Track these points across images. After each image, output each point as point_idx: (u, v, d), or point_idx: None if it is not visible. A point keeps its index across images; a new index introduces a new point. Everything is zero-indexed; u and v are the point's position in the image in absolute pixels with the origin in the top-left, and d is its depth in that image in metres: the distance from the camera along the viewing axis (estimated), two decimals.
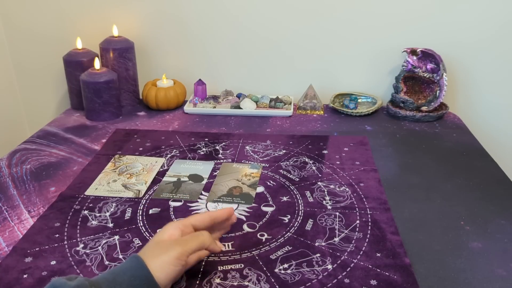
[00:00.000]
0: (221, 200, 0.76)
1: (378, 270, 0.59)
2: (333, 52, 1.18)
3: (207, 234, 0.57)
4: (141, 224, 0.69)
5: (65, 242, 0.65)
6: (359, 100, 1.17)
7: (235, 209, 0.73)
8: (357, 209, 0.73)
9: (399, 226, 0.68)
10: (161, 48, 1.22)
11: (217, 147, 0.94)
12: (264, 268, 0.60)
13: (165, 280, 0.51)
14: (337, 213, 0.72)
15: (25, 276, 0.58)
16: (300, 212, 0.72)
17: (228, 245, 0.65)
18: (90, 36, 1.18)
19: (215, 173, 0.84)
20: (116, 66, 1.13)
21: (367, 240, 0.65)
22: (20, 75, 1.28)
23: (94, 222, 0.70)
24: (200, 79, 1.16)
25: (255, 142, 0.97)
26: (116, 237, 0.66)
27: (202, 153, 0.92)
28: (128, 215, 0.72)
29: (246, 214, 0.72)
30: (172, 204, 0.75)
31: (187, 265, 0.54)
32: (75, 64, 1.11)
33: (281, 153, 0.92)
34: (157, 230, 0.66)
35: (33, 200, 0.76)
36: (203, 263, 0.61)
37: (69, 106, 1.19)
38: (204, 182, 0.82)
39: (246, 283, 0.57)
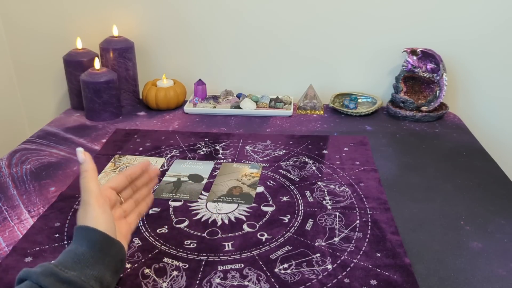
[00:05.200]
0: (221, 200, 0.76)
1: (378, 270, 0.59)
2: (333, 52, 1.18)
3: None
4: (141, 224, 0.69)
5: (65, 242, 0.65)
6: (359, 100, 1.17)
7: (235, 209, 0.73)
8: (357, 209, 0.73)
9: (399, 226, 0.68)
10: (161, 48, 1.22)
11: (217, 147, 0.94)
12: (264, 268, 0.60)
13: (111, 227, 0.52)
14: (337, 213, 0.72)
15: None
16: (300, 212, 0.72)
17: (228, 245, 0.65)
18: (90, 36, 1.18)
19: (215, 173, 0.84)
20: (116, 66, 1.13)
21: (367, 240, 0.65)
22: (20, 75, 1.28)
23: None
24: (200, 79, 1.16)
25: (255, 142, 0.97)
26: None
27: (202, 153, 0.92)
28: None
29: (246, 214, 0.72)
30: (172, 204, 0.75)
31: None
32: (75, 64, 1.11)
33: (281, 153, 0.92)
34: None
35: (33, 200, 0.76)
36: (203, 263, 0.61)
37: (69, 106, 1.19)
38: (204, 182, 0.82)
39: (246, 283, 0.57)
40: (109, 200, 0.56)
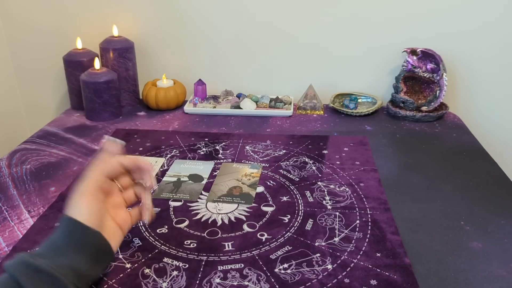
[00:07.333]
0: (221, 200, 0.76)
1: (378, 270, 0.59)
2: (333, 52, 1.18)
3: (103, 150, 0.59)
4: (141, 224, 0.69)
5: None
6: (359, 100, 1.17)
7: (235, 209, 0.73)
8: (357, 209, 0.73)
9: (399, 226, 0.68)
10: (161, 48, 1.22)
11: (217, 147, 0.94)
12: (264, 268, 0.60)
13: (94, 217, 0.53)
14: (337, 213, 0.72)
15: None
16: (300, 212, 0.72)
17: (228, 245, 0.65)
18: (90, 36, 1.18)
19: (215, 173, 0.84)
20: (116, 66, 1.13)
21: (367, 240, 0.65)
22: (20, 75, 1.28)
23: None
24: (200, 79, 1.16)
25: (255, 142, 0.97)
26: None
27: (202, 153, 0.92)
28: None
29: (246, 214, 0.72)
30: (172, 204, 0.75)
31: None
32: (75, 64, 1.11)
33: (281, 153, 0.92)
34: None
35: (33, 200, 0.76)
36: (203, 263, 0.61)
37: (69, 106, 1.19)
38: (204, 182, 0.82)
39: (246, 283, 0.57)
40: (103, 188, 0.56)
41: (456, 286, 0.57)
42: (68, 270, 0.48)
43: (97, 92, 1.05)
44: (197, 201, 0.76)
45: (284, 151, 0.93)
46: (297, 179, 0.82)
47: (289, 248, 0.64)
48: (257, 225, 0.69)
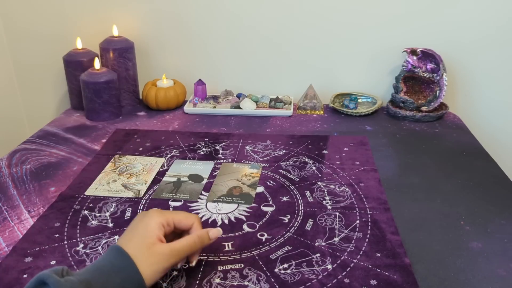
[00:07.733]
0: (221, 200, 0.76)
1: (378, 270, 0.59)
2: (333, 52, 1.18)
3: (200, 239, 0.57)
4: None
5: (65, 242, 0.65)
6: (359, 100, 1.17)
7: (235, 209, 0.73)
8: (357, 209, 0.73)
9: (399, 226, 0.68)
10: (161, 48, 1.22)
11: (217, 147, 0.94)
12: (264, 268, 0.60)
13: (152, 283, 0.52)
14: (337, 213, 0.72)
15: (25, 276, 0.58)
16: (300, 212, 0.72)
17: (228, 245, 0.65)
18: (90, 36, 1.18)
19: (215, 173, 0.84)
20: (116, 66, 1.13)
21: (367, 240, 0.65)
22: (20, 75, 1.28)
23: (94, 222, 0.70)
24: (200, 79, 1.16)
25: (255, 142, 0.97)
26: (116, 237, 0.66)
27: (202, 153, 0.92)
28: (128, 215, 0.72)
29: (246, 214, 0.72)
30: (172, 204, 0.75)
31: None
32: (75, 64, 1.11)
33: (281, 153, 0.92)
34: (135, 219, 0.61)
35: (33, 200, 0.76)
36: (203, 263, 0.61)
37: (69, 106, 1.19)
38: (204, 182, 0.82)
39: (246, 283, 0.57)
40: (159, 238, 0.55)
41: (456, 286, 0.57)
42: None
43: (97, 92, 1.05)
44: (197, 201, 0.76)
45: (284, 151, 0.93)
46: (297, 179, 0.82)
47: (289, 248, 0.64)
48: (257, 225, 0.69)
